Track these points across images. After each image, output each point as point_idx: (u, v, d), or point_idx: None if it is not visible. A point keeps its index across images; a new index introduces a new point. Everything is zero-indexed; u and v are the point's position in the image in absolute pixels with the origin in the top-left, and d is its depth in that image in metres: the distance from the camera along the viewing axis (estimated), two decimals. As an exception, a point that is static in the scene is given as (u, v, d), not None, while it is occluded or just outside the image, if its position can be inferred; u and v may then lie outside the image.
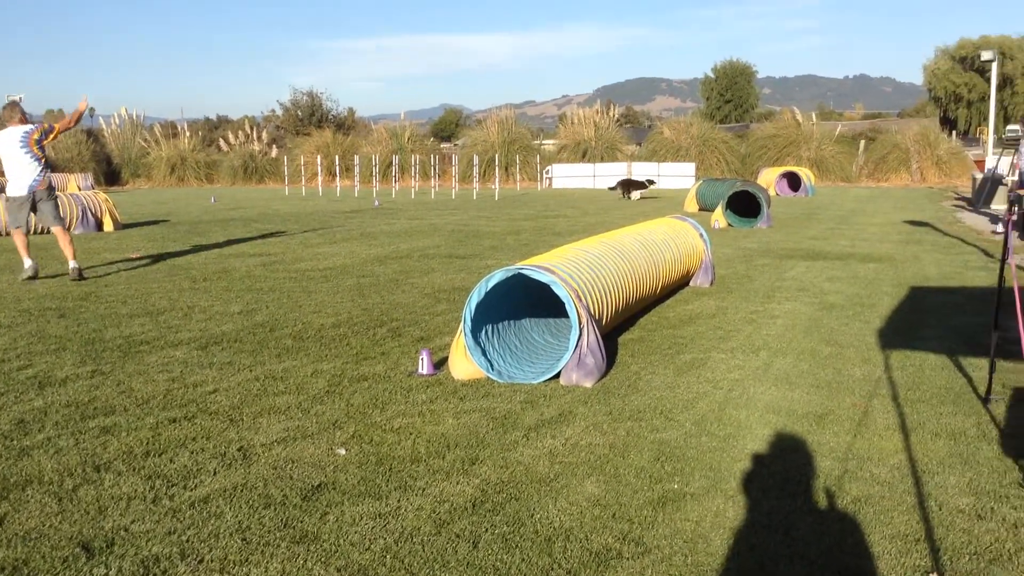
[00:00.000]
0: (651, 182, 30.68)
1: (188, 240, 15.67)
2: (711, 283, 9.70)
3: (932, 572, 3.20)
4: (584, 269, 6.29)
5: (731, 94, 79.52)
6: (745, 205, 17.94)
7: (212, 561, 3.30)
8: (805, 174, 30.97)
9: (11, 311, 8.42)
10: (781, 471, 4.21)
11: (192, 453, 4.47)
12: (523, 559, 3.32)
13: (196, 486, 4.04)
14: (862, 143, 42.97)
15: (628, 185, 29.82)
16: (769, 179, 31.12)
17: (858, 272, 10.81)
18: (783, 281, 10.13)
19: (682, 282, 9.30)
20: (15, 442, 4.63)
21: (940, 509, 3.73)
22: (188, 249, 14.11)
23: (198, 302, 8.89)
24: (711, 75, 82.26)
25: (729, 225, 17.48)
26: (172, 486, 4.04)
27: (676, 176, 39.05)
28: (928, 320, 7.78)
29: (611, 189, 31.79)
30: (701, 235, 9.57)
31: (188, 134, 49.62)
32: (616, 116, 47.78)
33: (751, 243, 14.38)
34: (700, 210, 21.36)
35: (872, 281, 10.03)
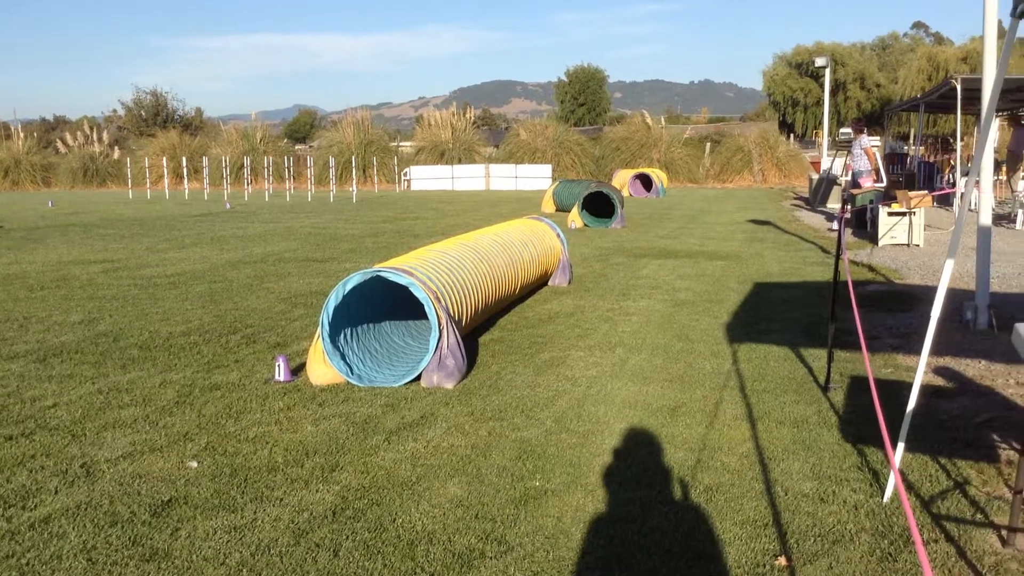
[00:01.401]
0: None
1: (23, 247, 14.75)
2: (569, 282, 9.88)
3: (780, 555, 3.36)
4: (443, 270, 6.28)
5: (584, 98, 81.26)
6: (600, 206, 18.38)
7: (53, 586, 3.12)
8: (657, 175, 32.00)
9: None
10: (638, 464, 4.32)
11: (31, 471, 4.21)
12: (385, 565, 3.28)
13: (36, 506, 3.80)
14: (708, 146, 44.78)
15: None
16: (623, 180, 31.99)
17: (706, 269, 11.24)
18: (637, 279, 10.42)
19: (540, 282, 9.43)
20: None
21: (786, 494, 3.92)
22: (23, 256, 13.27)
23: (35, 312, 8.38)
24: (564, 79, 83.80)
25: (585, 225, 17.86)
26: (9, 507, 3.78)
27: (533, 177, 39.60)
28: (771, 314, 8.17)
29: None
30: (558, 235, 9.73)
31: (22, 135, 46.73)
32: (473, 118, 48.05)
33: (606, 242, 14.73)
34: (557, 210, 21.73)
35: (719, 278, 10.46)
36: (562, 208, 21.56)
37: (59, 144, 48.73)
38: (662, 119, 47.52)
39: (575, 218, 17.93)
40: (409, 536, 3.52)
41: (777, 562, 3.31)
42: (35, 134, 49.81)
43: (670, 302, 8.83)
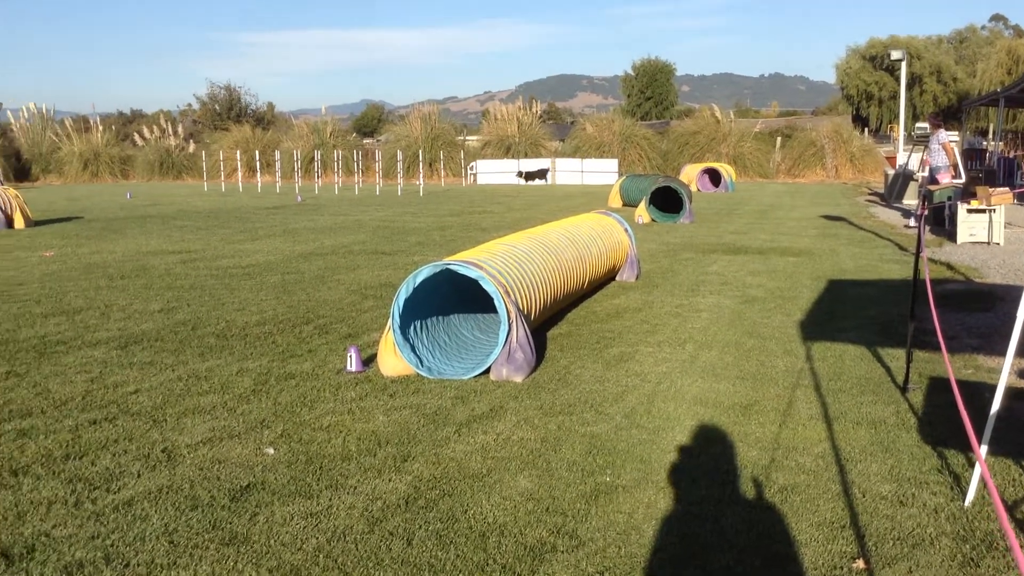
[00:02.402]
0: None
1: (104, 237, 15.21)
2: (636, 277, 9.82)
3: (858, 558, 3.30)
4: (512, 264, 6.30)
5: (651, 91, 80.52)
6: (667, 201, 18.21)
7: (138, 565, 3.21)
8: (725, 170, 31.59)
9: (-85, 312, 8.06)
10: (710, 461, 4.29)
11: (114, 455, 4.34)
12: (458, 555, 3.31)
13: (119, 489, 3.93)
14: (779, 140, 44.02)
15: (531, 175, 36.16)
16: (691, 175, 31.64)
17: (778, 266, 11.07)
18: (706, 275, 10.31)
19: (608, 277, 9.40)
20: (-77, 448, 4.44)
21: (864, 496, 3.85)
22: (104, 246, 13.69)
23: (116, 300, 8.64)
24: (631, 72, 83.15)
25: (652, 220, 17.72)
26: (94, 489, 3.92)
27: (599, 172, 39.41)
28: (847, 312, 8.01)
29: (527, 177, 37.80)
30: (626, 230, 9.68)
31: (101, 128, 48.10)
32: (539, 112, 47.98)
33: (674, 238, 14.60)
34: (624, 205, 21.60)
35: (792, 274, 10.29)
36: (629, 203, 21.43)
37: (136, 137, 50.01)
38: (731, 113, 46.86)
39: (642, 213, 17.80)
40: (481, 527, 3.54)
41: (855, 565, 3.25)
42: (113, 127, 51.22)
43: (741, 298, 8.72)
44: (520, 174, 38.96)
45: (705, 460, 4.31)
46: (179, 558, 3.28)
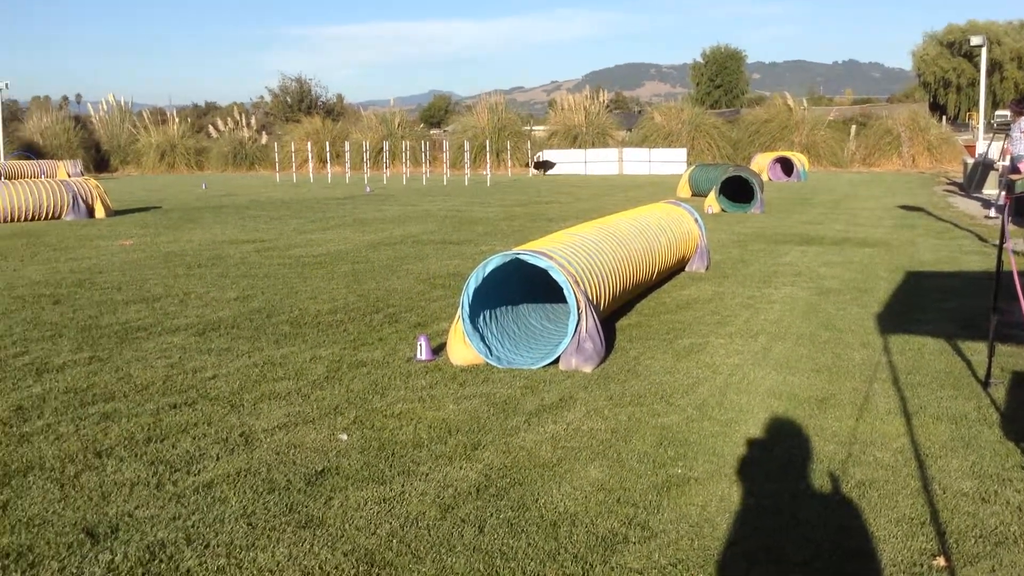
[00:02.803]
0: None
1: (181, 227, 15.60)
2: (707, 268, 9.71)
3: (938, 555, 3.22)
4: (581, 254, 6.27)
5: (721, 79, 79.37)
6: (738, 190, 17.95)
7: (218, 546, 3.29)
8: (798, 159, 31.01)
9: (5, 298, 8.37)
10: (784, 455, 4.22)
11: (194, 439, 4.46)
12: (529, 543, 3.32)
13: (199, 471, 4.03)
14: (853, 128, 43.01)
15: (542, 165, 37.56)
16: (762, 164, 31.13)
17: (853, 257, 10.83)
18: (779, 266, 10.14)
19: (678, 267, 9.30)
20: (15, 428, 4.61)
21: (944, 492, 3.75)
22: (181, 236, 14.04)
23: (194, 288, 8.86)
24: (700, 60, 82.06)
25: (722, 210, 17.49)
26: (175, 472, 4.03)
27: (667, 161, 39.02)
28: (925, 304, 7.80)
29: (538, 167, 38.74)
30: (696, 220, 9.57)
31: (177, 121, 49.30)
32: (606, 102, 47.64)
33: (745, 228, 14.39)
34: (693, 195, 21.35)
35: (868, 266, 10.05)
36: (698, 193, 21.18)
37: (211, 129, 51.15)
38: (804, 100, 45.91)
39: (712, 203, 17.58)
40: (552, 517, 3.55)
41: (935, 562, 3.17)
42: (189, 119, 52.37)
43: (815, 290, 8.55)
44: (536, 164, 39.63)
45: (779, 454, 4.24)
46: (257, 540, 3.35)
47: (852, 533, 3.40)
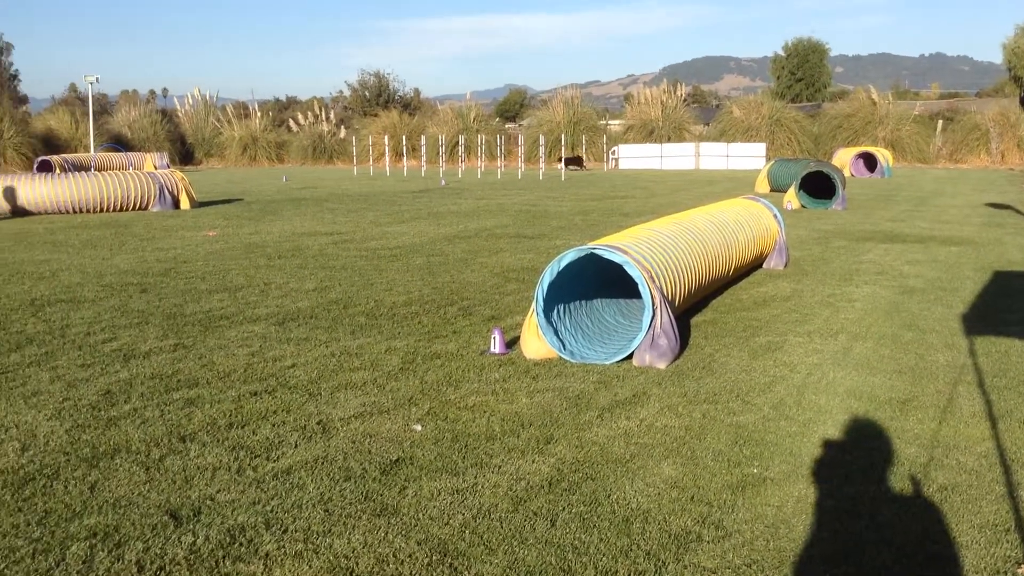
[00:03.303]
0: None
1: (262, 218, 15.95)
2: (785, 265, 9.53)
3: (1023, 563, 3.11)
4: (657, 250, 6.23)
5: (802, 72, 77.62)
6: (819, 186, 17.57)
7: (296, 531, 3.37)
8: (882, 155, 30.22)
9: (94, 286, 8.68)
10: (864, 457, 4.13)
11: (273, 426, 4.56)
12: (601, 539, 3.32)
13: (278, 458, 4.12)
14: (939, 123, 41.71)
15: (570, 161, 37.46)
16: (844, 159, 30.44)
17: (939, 255, 10.51)
18: (861, 264, 9.91)
19: (755, 264, 9.16)
20: (103, 412, 4.78)
21: (1032, 499, 3.62)
22: (262, 227, 14.36)
23: (274, 279, 9.06)
24: (781, 53, 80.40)
25: (802, 206, 17.16)
26: (255, 457, 4.13)
27: (745, 156, 38.43)
28: (1013, 305, 7.53)
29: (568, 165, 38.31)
30: (775, 216, 9.41)
31: (259, 115, 50.38)
32: (683, 95, 47.11)
33: (826, 225, 14.09)
34: (772, 190, 20.99)
35: (953, 265, 9.75)
36: (777, 188, 20.81)
37: (291, 123, 52.14)
38: (889, 95, 44.67)
39: (792, 198, 17.25)
40: (624, 512, 3.53)
41: (1020, 570, 3.07)
42: (270, 113, 53.46)
43: (898, 289, 8.33)
44: (560, 159, 38.85)
45: (859, 455, 4.15)
46: (334, 526, 3.42)
47: (933, 538, 3.31)
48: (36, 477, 3.89)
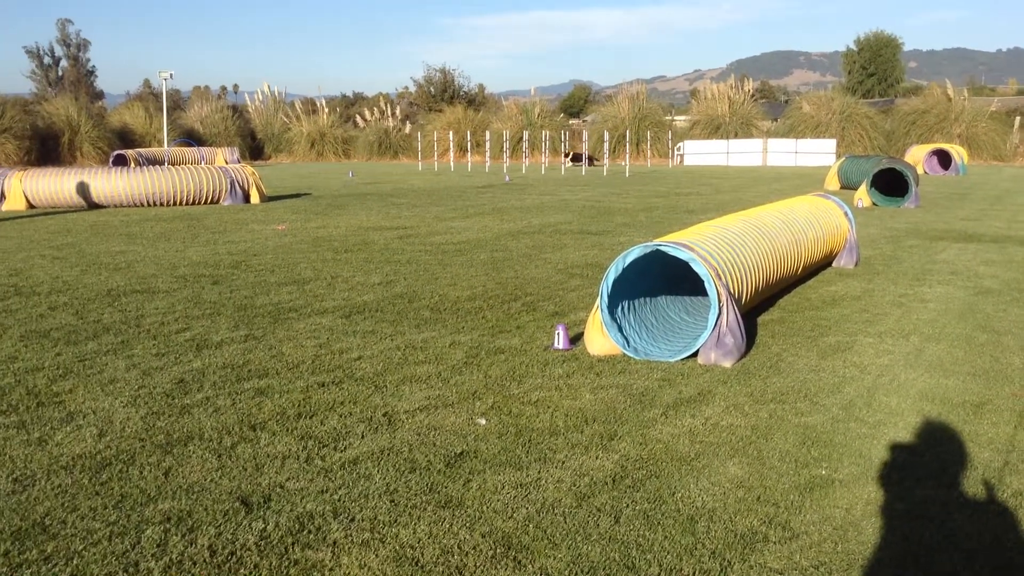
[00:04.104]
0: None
1: (329, 213, 16.19)
2: (855, 264, 9.35)
3: None
4: (723, 247, 6.16)
5: (874, 67, 75.99)
6: (891, 183, 17.19)
7: (363, 521, 3.42)
8: (957, 152, 29.42)
9: (168, 277, 8.91)
10: (936, 461, 4.03)
11: (341, 416, 4.64)
12: (666, 536, 3.30)
13: (345, 448, 4.19)
14: (1017, 120, 40.41)
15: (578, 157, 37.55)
16: (917, 157, 29.73)
17: (1015, 256, 10.20)
18: (934, 264, 9.67)
19: (825, 262, 9.00)
20: (176, 400, 4.91)
21: (1114, 508, 3.50)
22: (329, 221, 14.57)
23: (340, 272, 9.19)
24: (853, 48, 78.79)
25: (874, 204, 16.80)
26: (323, 447, 4.20)
27: (815, 153, 37.77)
28: (1096, 308, 7.28)
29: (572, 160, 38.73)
30: (846, 214, 9.23)
31: (327, 111, 51.09)
32: (751, 91, 46.46)
33: (898, 223, 13.77)
34: (842, 188, 20.60)
35: (1032, 265, 9.46)
36: (847, 185, 20.41)
37: (358, 119, 52.79)
38: (964, 91, 43.45)
39: (863, 196, 16.90)
40: (689, 511, 3.51)
41: None
42: (337, 109, 54.19)
43: (972, 289, 8.11)
44: (567, 155, 39.40)
45: (930, 459, 4.06)
46: (399, 516, 3.46)
47: (1007, 545, 3.22)
48: (113, 462, 4.01)
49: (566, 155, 39.15)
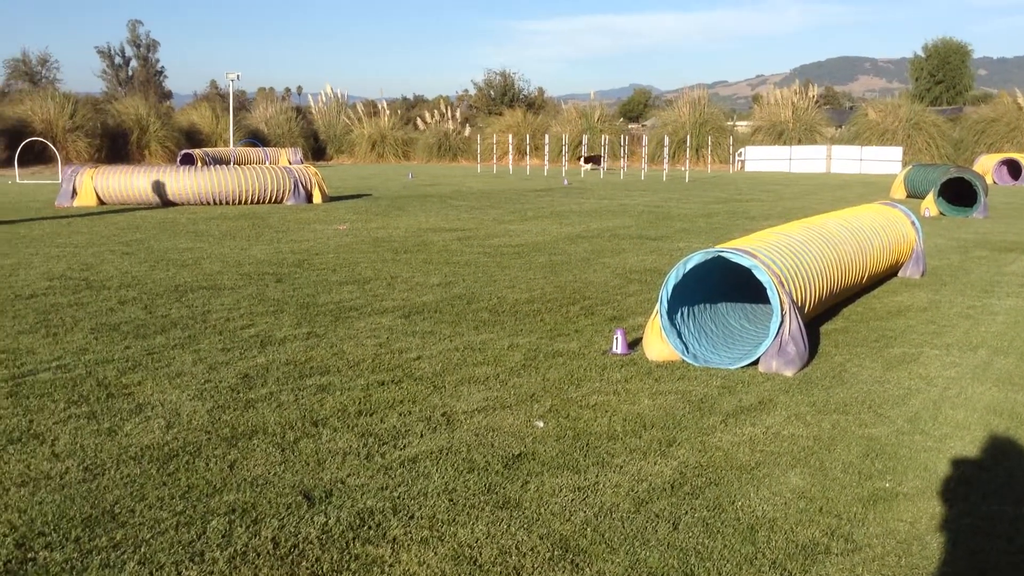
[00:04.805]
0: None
1: (389, 214, 16.35)
2: (922, 274, 9.16)
3: None
4: (787, 254, 6.09)
5: (943, 75, 74.21)
6: (959, 193, 16.79)
7: (422, 519, 3.46)
8: (1028, 161, 28.61)
9: (233, 275, 9.09)
10: (1004, 476, 3.94)
11: (400, 415, 4.69)
12: (725, 545, 3.27)
13: (405, 446, 4.23)
14: (1094, 129, 39.14)
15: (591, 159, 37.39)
16: (987, 166, 28.99)
17: (1091, 269, 9.89)
18: (1003, 275, 9.42)
19: (890, 272, 8.83)
20: (241, 395, 5.01)
21: None
22: (389, 222, 14.72)
23: (400, 273, 9.28)
24: (921, 54, 77.08)
25: (941, 213, 16.44)
26: (383, 444, 4.25)
27: (880, 160, 37.06)
28: None
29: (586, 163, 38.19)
30: (913, 223, 9.05)
31: (388, 113, 51.60)
32: (815, 97, 45.76)
33: (966, 233, 13.45)
34: (908, 196, 20.19)
35: (1108, 279, 9.16)
36: (914, 194, 20.00)
37: (418, 121, 53.22)
38: (1037, 98, 42.21)
39: (930, 205, 16.55)
40: (749, 520, 3.48)
41: None
42: (398, 112, 54.65)
43: (1044, 303, 7.89)
44: (579, 158, 39.23)
45: (998, 474, 3.96)
46: (458, 515, 3.49)
47: (1083, 567, 3.13)
48: (180, 453, 4.11)
49: (580, 159, 39.03)
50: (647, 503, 3.63)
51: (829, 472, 3.97)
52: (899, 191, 21.00)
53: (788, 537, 3.34)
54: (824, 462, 4.09)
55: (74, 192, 17.63)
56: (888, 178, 27.51)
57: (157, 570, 3.05)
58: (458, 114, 53.26)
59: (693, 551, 3.23)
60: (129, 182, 17.73)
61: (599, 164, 37.17)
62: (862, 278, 7.51)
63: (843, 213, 8.43)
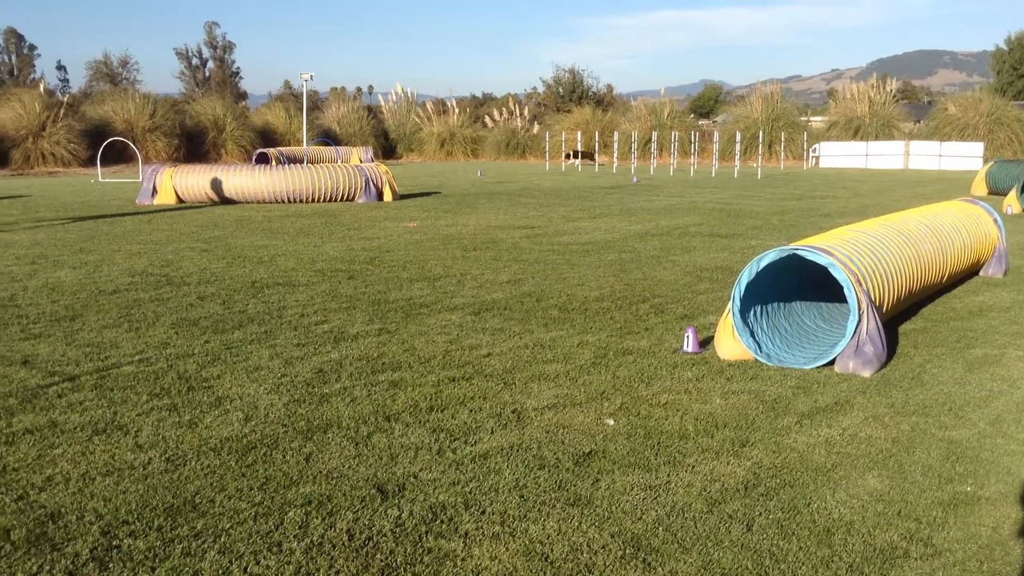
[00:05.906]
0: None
1: (458, 211, 16.47)
2: (1005, 273, 8.87)
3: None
4: (864, 252, 5.96)
5: (1027, 67, 71.68)
6: (1045, 189, 16.21)
7: (493, 514, 3.48)
8: (1119, 156, 27.48)
9: (307, 271, 9.26)
10: (1095, 484, 3.80)
11: (471, 411, 4.73)
12: (800, 547, 3.23)
13: (476, 442, 4.27)
14: None
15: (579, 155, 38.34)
16: (1073, 161, 27.90)
17: None
18: (1092, 275, 9.07)
19: (971, 271, 8.58)
20: (316, 389, 5.10)
21: None
22: (459, 220, 14.82)
23: (470, 270, 9.34)
24: (1003, 47, 74.55)
25: (1024, 211, 15.89)
26: (454, 440, 4.29)
27: (960, 156, 36.00)
28: None
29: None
30: (995, 220, 8.77)
31: (457, 111, 51.90)
32: (893, 91, 44.61)
33: (1052, 231, 12.98)
34: (989, 193, 19.57)
35: None
36: (995, 191, 19.38)
37: (486, 119, 53.42)
38: None
39: (1013, 202, 16.01)
40: (825, 523, 3.42)
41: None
42: (467, 110, 54.94)
43: None
44: (573, 154, 39.73)
45: (1089, 482, 3.83)
46: (529, 512, 3.51)
47: None
48: (257, 446, 4.21)
49: (567, 155, 39.64)
50: (720, 503, 3.60)
51: (908, 475, 3.88)
52: (980, 188, 20.37)
53: (865, 540, 3.27)
54: (903, 465, 4.00)
55: (154, 191, 18.14)
56: (968, 174, 26.70)
57: (237, 559, 3.13)
58: (526, 112, 53.30)
59: (767, 553, 3.19)
60: (208, 181, 18.17)
61: (592, 160, 38.27)
62: (942, 277, 7.31)
63: (922, 210, 8.22)
